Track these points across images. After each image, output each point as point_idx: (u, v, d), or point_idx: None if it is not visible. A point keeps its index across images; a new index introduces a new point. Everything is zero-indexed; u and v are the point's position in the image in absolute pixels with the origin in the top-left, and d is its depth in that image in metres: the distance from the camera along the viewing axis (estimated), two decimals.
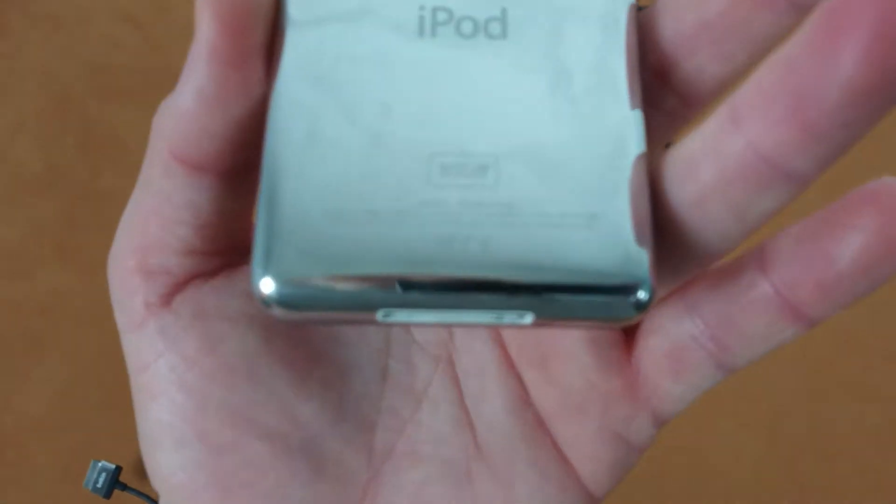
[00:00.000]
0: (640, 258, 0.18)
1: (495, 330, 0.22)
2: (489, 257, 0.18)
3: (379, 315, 0.18)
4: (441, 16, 0.20)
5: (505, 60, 0.20)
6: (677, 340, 0.20)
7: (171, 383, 0.21)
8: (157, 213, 0.20)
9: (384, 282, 0.18)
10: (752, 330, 0.19)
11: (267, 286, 0.18)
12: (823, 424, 0.62)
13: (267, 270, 0.18)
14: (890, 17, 0.15)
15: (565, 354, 0.21)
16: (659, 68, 0.20)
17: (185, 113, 0.19)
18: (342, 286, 0.18)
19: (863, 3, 0.16)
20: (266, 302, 0.18)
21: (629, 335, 0.22)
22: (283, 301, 0.18)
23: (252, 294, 0.18)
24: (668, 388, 0.21)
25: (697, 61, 0.20)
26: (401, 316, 0.18)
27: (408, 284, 0.18)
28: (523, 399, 0.22)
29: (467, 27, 0.20)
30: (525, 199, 0.19)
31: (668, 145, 0.20)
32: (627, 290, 0.18)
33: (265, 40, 0.19)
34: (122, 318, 0.21)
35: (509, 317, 0.18)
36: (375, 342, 0.22)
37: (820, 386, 0.69)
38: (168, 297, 0.21)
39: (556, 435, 0.22)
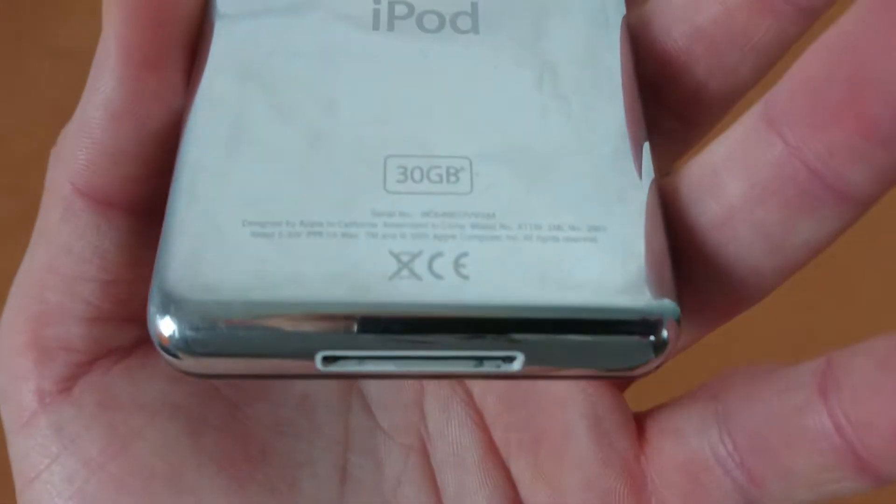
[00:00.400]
0: (660, 283, 0.15)
1: (477, 410, 0.19)
2: (464, 282, 0.14)
3: (318, 362, 0.14)
4: (400, 9, 0.18)
5: (479, 55, 0.17)
6: (698, 455, 0.16)
7: (68, 498, 0.16)
8: (55, 269, 0.17)
9: (325, 316, 0.14)
10: (795, 469, 0.15)
11: (167, 327, 0.14)
12: None
13: (167, 307, 0.14)
14: None
15: (561, 436, 0.18)
16: (654, 85, 0.18)
17: (91, 131, 0.16)
18: (269, 324, 0.14)
19: None
20: (167, 349, 0.14)
21: (642, 425, 0.18)
22: (189, 347, 0.14)
23: (151, 340, 0.15)
24: None
25: (695, 76, 0.17)
26: (348, 364, 0.14)
27: (357, 319, 0.14)
28: (511, 498, 0.18)
29: (431, 21, 0.18)
30: (509, 209, 0.15)
31: (666, 174, 0.17)
32: (645, 324, 0.14)
33: (187, 37, 0.17)
34: (7, 414, 0.17)
35: (492, 363, 0.14)
36: (331, 431, 0.19)
37: None
38: (68, 383, 0.17)
39: None
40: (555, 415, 0.18)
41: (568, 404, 0.18)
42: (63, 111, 0.17)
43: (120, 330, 0.17)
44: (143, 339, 0.18)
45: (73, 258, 0.17)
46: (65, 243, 0.17)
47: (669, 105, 0.18)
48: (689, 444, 0.16)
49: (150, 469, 0.17)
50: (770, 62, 0.17)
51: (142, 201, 0.17)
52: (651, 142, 0.17)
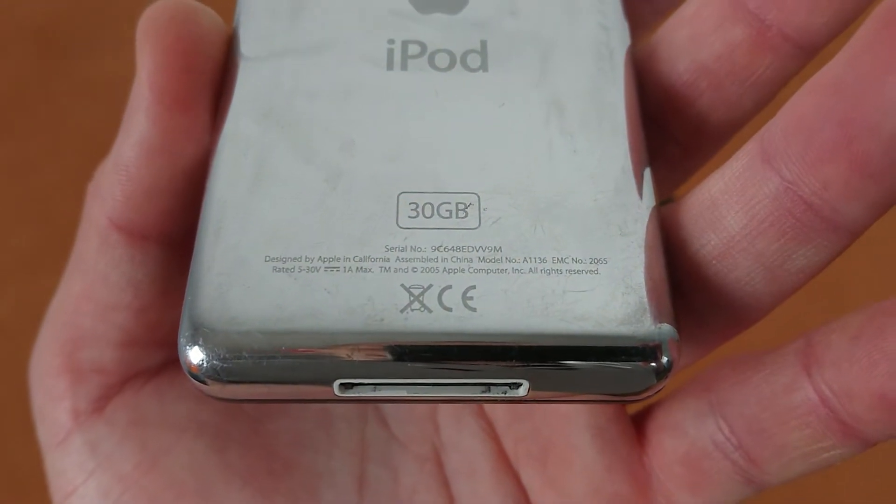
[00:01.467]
0: (658, 310, 0.15)
1: (487, 421, 0.20)
2: (471, 314, 0.15)
3: (336, 388, 0.15)
4: (413, 49, 0.18)
5: (488, 93, 0.18)
6: (697, 444, 0.17)
7: None
8: (90, 297, 0.17)
9: (341, 347, 0.15)
10: (789, 444, 0.16)
11: (196, 356, 0.15)
12: None
13: (196, 338, 0.15)
14: None
15: (567, 447, 0.19)
16: (657, 116, 0.18)
17: (127, 168, 0.16)
18: (290, 353, 0.15)
19: None
20: (196, 376, 0.15)
21: (641, 425, 0.19)
22: (216, 374, 0.15)
23: (178, 361, 0.16)
24: (686, 502, 0.17)
25: (698, 108, 0.18)
26: (363, 390, 0.15)
27: (371, 349, 0.15)
28: None
29: (443, 60, 0.18)
30: (515, 243, 0.16)
31: (664, 202, 0.17)
32: (647, 351, 0.15)
33: (213, 79, 0.17)
34: (43, 432, 0.18)
35: (499, 389, 0.15)
36: (349, 444, 0.19)
37: None
38: (101, 403, 0.18)
39: None
40: (560, 427, 0.19)
41: (572, 417, 0.18)
42: (90, 143, 0.18)
43: (150, 353, 0.18)
44: (171, 361, 0.19)
45: (109, 287, 0.17)
46: (101, 273, 0.17)
47: (672, 135, 0.18)
48: (687, 435, 0.17)
49: (180, 483, 0.17)
50: (770, 96, 0.17)
51: (173, 233, 0.17)
52: (653, 172, 0.17)
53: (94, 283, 0.17)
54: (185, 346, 0.15)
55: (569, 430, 0.18)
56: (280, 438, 0.19)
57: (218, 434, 0.18)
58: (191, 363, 0.15)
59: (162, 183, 0.17)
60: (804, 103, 0.14)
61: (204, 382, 0.15)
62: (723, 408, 0.17)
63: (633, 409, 0.19)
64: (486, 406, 0.19)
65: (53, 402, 0.18)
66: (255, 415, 0.19)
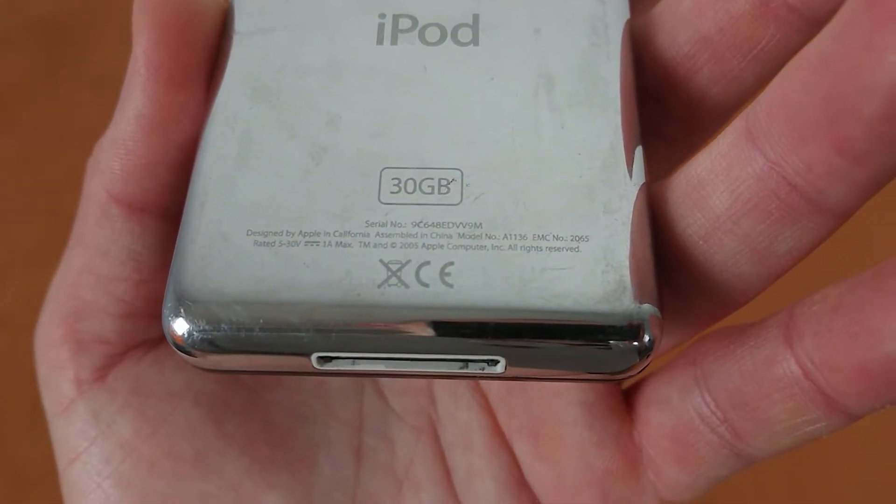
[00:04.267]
0: (641, 290, 0.15)
1: (482, 395, 0.20)
2: (448, 290, 0.15)
3: (314, 361, 0.15)
4: (403, 23, 0.18)
5: (477, 67, 0.18)
6: (684, 418, 0.17)
7: (106, 476, 0.18)
8: (91, 269, 0.18)
9: (318, 320, 0.15)
10: (773, 417, 0.16)
11: (178, 327, 0.15)
12: None
13: (178, 308, 0.15)
14: None
15: (557, 423, 0.19)
16: (656, 90, 0.18)
17: (125, 143, 0.17)
18: (268, 326, 0.15)
19: None
20: (179, 346, 0.15)
21: (630, 400, 0.19)
22: (196, 345, 0.15)
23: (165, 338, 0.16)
24: (675, 476, 0.17)
25: (698, 82, 0.17)
26: (342, 364, 0.15)
27: (347, 324, 0.15)
28: (517, 478, 0.19)
29: (433, 34, 0.18)
30: (496, 219, 0.16)
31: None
32: (626, 330, 0.15)
33: (210, 55, 0.17)
34: (48, 401, 0.18)
35: (477, 365, 0.15)
36: (346, 415, 0.20)
37: None
38: (102, 372, 0.18)
39: None
40: (550, 403, 0.19)
41: (562, 393, 0.18)
42: (97, 135, 0.18)
43: (150, 324, 0.18)
44: None
45: (109, 260, 0.18)
46: (101, 246, 0.17)
47: (672, 111, 0.18)
48: (674, 410, 0.17)
49: (178, 451, 0.18)
50: (773, 70, 0.17)
51: (171, 207, 0.17)
52: (646, 149, 0.17)
53: (94, 256, 0.18)
54: (168, 317, 0.15)
55: (559, 406, 0.19)
56: (278, 409, 0.19)
57: (216, 404, 0.19)
58: (174, 334, 0.15)
59: (159, 157, 0.17)
60: (789, 81, 0.14)
61: (186, 352, 0.15)
62: (708, 381, 0.16)
63: (625, 384, 0.19)
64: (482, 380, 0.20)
65: (57, 371, 0.18)
66: (254, 385, 0.19)
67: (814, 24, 0.16)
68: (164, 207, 0.17)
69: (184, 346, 0.15)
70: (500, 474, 0.19)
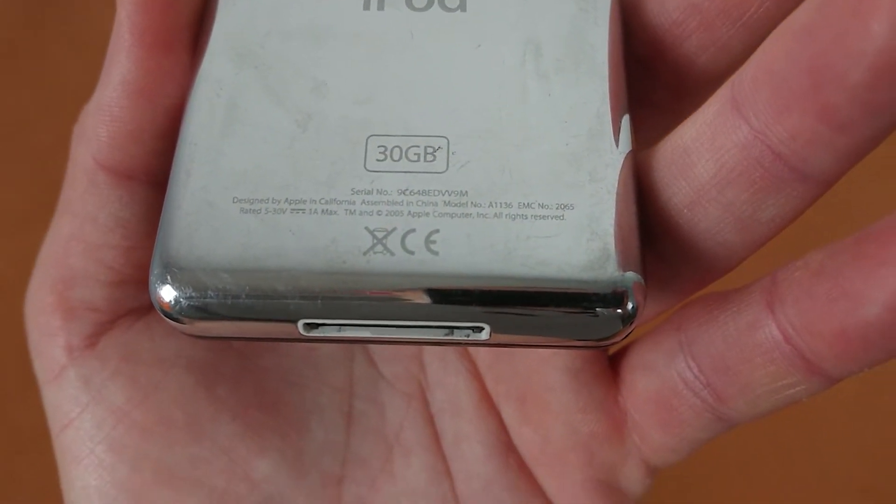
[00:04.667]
0: (625, 257, 0.15)
1: (471, 361, 0.20)
2: (433, 257, 0.15)
3: (300, 328, 0.15)
4: None
5: (464, 33, 0.17)
6: (668, 383, 0.17)
7: (98, 442, 0.18)
8: (79, 237, 0.18)
9: (302, 287, 0.15)
10: (754, 381, 0.16)
11: (164, 294, 0.15)
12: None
13: (164, 275, 0.15)
14: None
15: (544, 388, 0.19)
16: (645, 58, 0.18)
17: (111, 109, 0.17)
18: (254, 292, 0.15)
19: None
20: (165, 313, 0.15)
21: (616, 365, 0.19)
22: (183, 311, 0.15)
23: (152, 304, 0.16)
24: (659, 440, 0.18)
25: (687, 50, 0.17)
26: (328, 330, 0.15)
27: (332, 291, 0.15)
28: (504, 442, 0.19)
29: (420, 0, 0.18)
30: (482, 187, 0.16)
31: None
32: (610, 298, 0.15)
33: (193, 19, 0.17)
34: (40, 368, 0.19)
35: (461, 332, 0.15)
36: (337, 381, 0.20)
37: None
38: (93, 339, 0.18)
39: (541, 483, 0.19)
40: (537, 368, 0.19)
41: (548, 359, 0.19)
42: (84, 101, 0.18)
43: (139, 291, 0.18)
44: None
45: (97, 227, 0.17)
46: (89, 214, 0.17)
47: (660, 78, 0.18)
48: (658, 374, 0.17)
49: (170, 417, 0.18)
50: (762, 39, 0.16)
51: (159, 173, 0.17)
52: (633, 117, 0.17)
53: (82, 223, 0.18)
54: (155, 284, 0.15)
55: (545, 372, 0.19)
56: (269, 375, 0.19)
57: (207, 370, 0.19)
58: (161, 300, 0.15)
59: (145, 123, 0.17)
60: (774, 49, 0.14)
61: (173, 319, 0.15)
62: (691, 346, 0.17)
63: (611, 349, 0.19)
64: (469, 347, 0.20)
65: (48, 338, 0.18)
66: (245, 352, 0.19)
67: None
68: (152, 174, 0.17)
69: (171, 313, 0.15)
70: (487, 438, 0.19)
